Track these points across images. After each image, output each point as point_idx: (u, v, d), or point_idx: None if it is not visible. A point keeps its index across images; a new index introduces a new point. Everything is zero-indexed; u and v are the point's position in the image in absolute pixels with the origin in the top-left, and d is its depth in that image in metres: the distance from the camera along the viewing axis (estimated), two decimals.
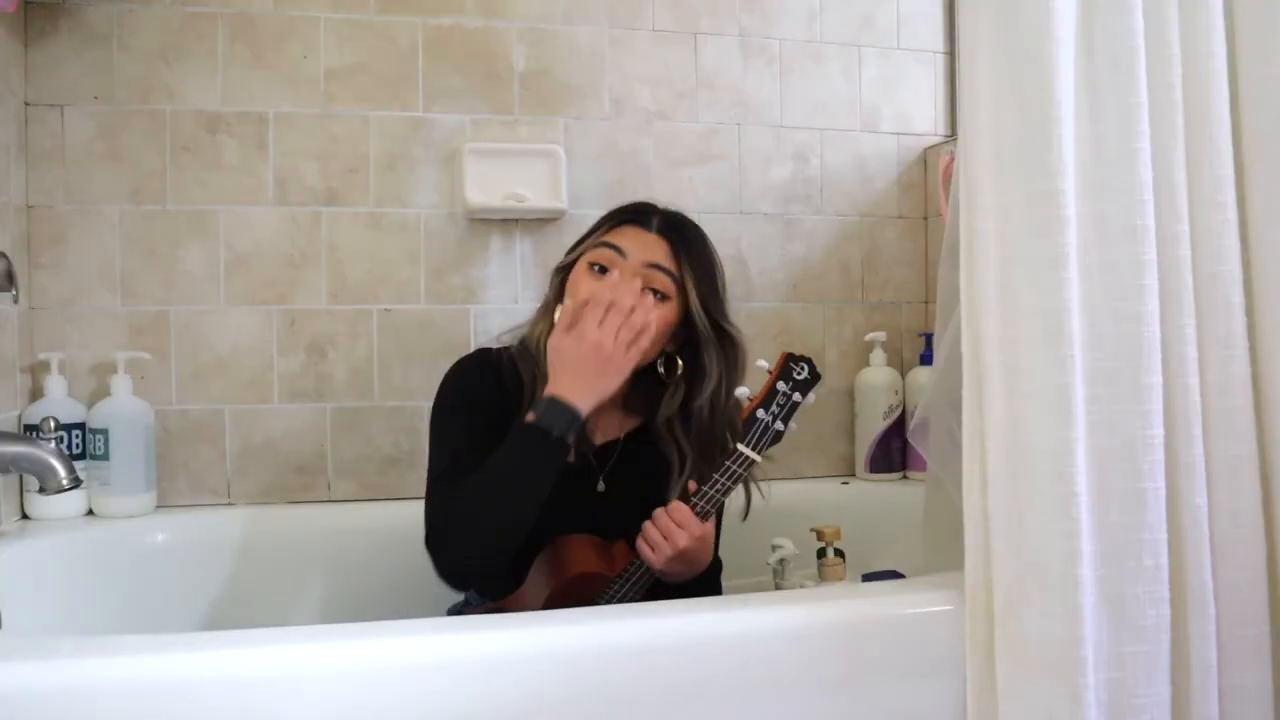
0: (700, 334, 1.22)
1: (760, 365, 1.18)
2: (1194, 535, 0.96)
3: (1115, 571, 0.94)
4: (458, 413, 1.23)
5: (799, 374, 1.15)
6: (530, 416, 1.10)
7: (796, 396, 1.15)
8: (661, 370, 1.24)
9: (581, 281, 1.20)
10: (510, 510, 1.09)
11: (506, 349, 1.28)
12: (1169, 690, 0.95)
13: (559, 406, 1.09)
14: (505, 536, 1.11)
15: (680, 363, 1.24)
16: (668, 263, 1.20)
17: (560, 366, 1.11)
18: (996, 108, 0.96)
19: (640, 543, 1.14)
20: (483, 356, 1.28)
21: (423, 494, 1.67)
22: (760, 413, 1.14)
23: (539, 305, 1.30)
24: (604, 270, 1.19)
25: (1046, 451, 0.92)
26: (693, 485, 1.15)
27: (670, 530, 1.12)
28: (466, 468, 1.14)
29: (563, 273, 1.26)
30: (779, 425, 1.15)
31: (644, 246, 1.20)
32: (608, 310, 1.11)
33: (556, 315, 1.20)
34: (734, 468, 1.14)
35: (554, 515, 1.16)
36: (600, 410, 1.25)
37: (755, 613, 0.99)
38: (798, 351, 1.18)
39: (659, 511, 1.14)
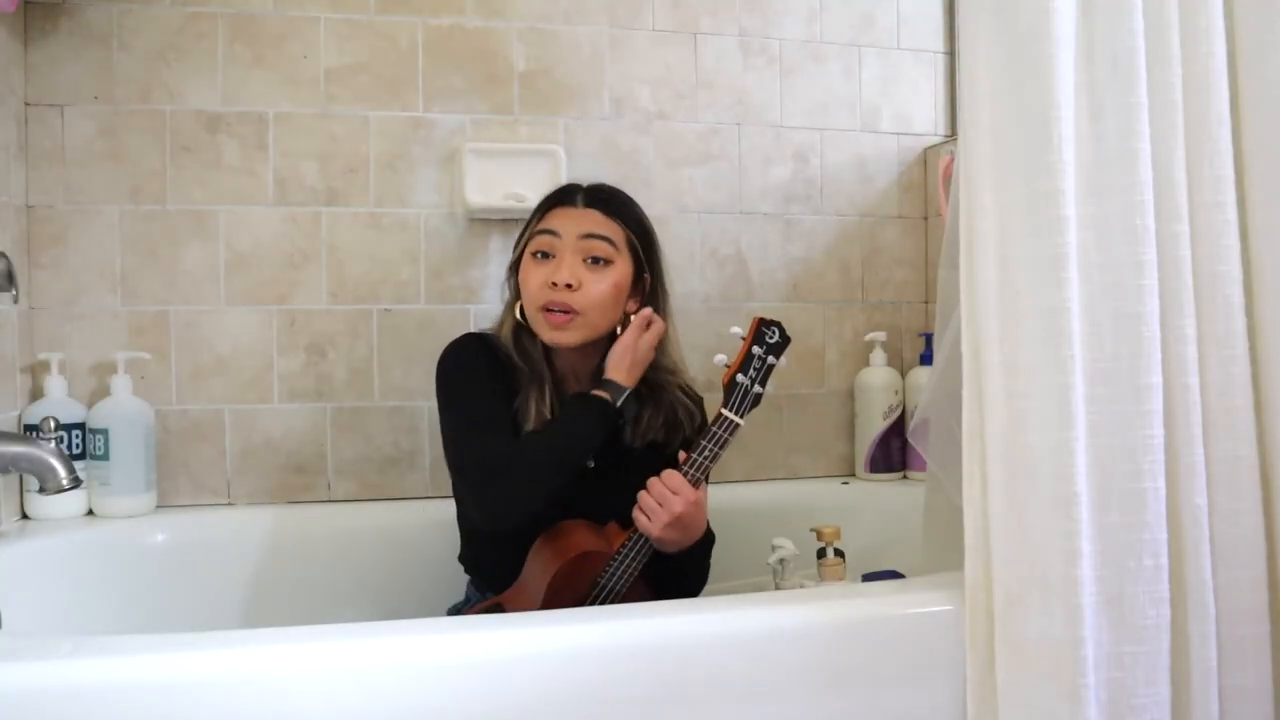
0: (658, 272, 1.33)
1: (734, 332, 1.23)
2: (1194, 535, 0.96)
3: (1115, 571, 0.94)
4: (474, 379, 1.28)
5: (771, 338, 1.20)
6: (597, 392, 1.24)
7: (771, 359, 1.20)
8: (619, 331, 1.29)
9: (531, 273, 1.27)
10: (574, 459, 1.21)
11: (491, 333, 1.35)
12: (1169, 690, 0.95)
13: (619, 387, 1.25)
14: (563, 479, 1.20)
15: (630, 318, 1.30)
16: (601, 229, 1.27)
17: (620, 358, 1.26)
18: (996, 108, 0.96)
19: (636, 512, 1.18)
20: (479, 337, 1.34)
21: (422, 494, 1.68)
22: (740, 377, 1.19)
23: (505, 302, 1.36)
24: (546, 255, 1.26)
25: (1046, 451, 0.92)
26: (683, 455, 1.19)
27: (665, 496, 1.16)
28: (502, 419, 1.25)
29: (514, 270, 1.33)
30: (757, 388, 1.19)
31: (575, 222, 1.27)
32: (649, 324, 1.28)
33: (516, 312, 1.30)
34: (720, 433, 1.18)
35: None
36: (570, 385, 1.34)
37: (755, 613, 0.99)
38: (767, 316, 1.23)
39: (653, 480, 1.18)
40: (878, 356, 1.80)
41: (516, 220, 1.67)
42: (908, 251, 1.88)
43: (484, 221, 1.67)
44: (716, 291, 1.78)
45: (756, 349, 1.19)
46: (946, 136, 1.89)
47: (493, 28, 1.68)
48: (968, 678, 0.98)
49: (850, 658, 0.98)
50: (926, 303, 1.89)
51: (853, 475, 1.84)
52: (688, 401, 1.35)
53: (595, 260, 1.26)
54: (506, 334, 1.31)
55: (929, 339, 1.83)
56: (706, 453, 1.18)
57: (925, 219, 1.89)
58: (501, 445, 1.21)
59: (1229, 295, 0.98)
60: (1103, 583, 0.94)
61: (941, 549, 1.17)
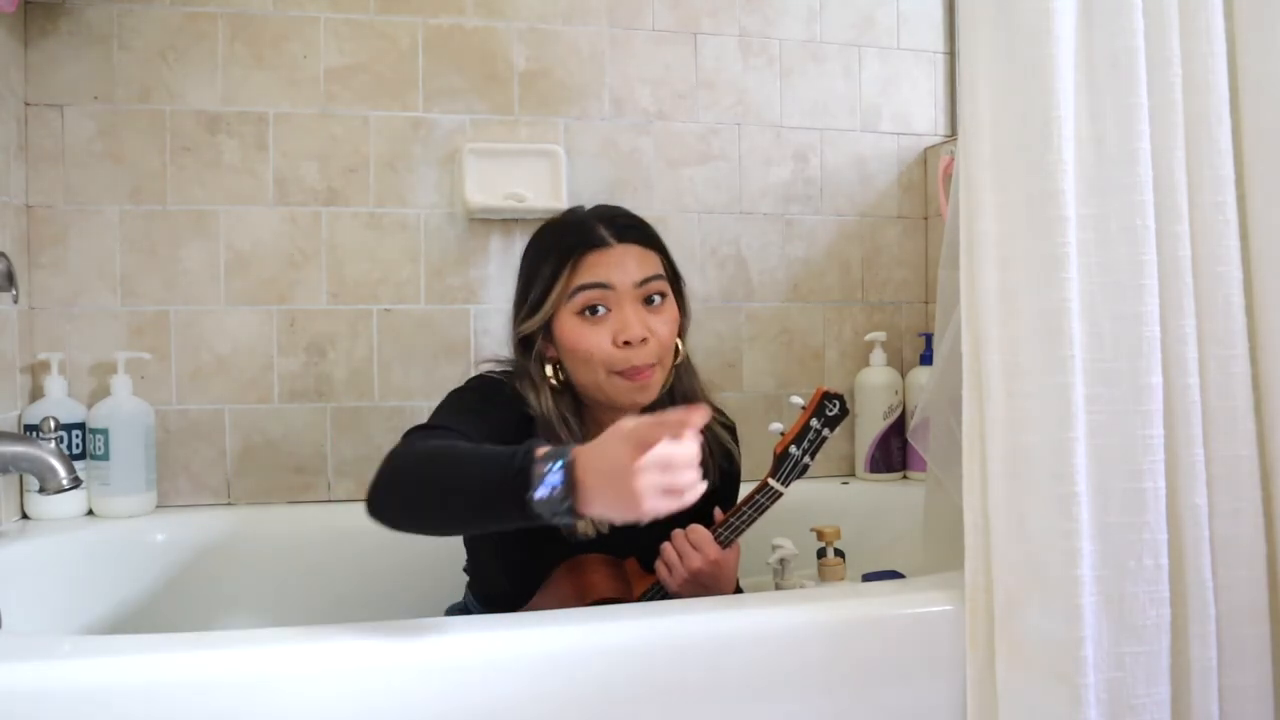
0: (682, 291, 1.22)
1: (795, 401, 1.17)
2: (1194, 535, 0.96)
3: (1115, 571, 0.94)
4: (473, 404, 1.14)
5: (831, 410, 1.14)
6: (539, 465, 0.86)
7: (826, 431, 1.14)
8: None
9: (584, 335, 1.11)
10: (441, 507, 0.92)
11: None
12: (1169, 690, 0.95)
13: (565, 499, 0.85)
14: (417, 520, 0.95)
15: (680, 346, 1.20)
16: (650, 266, 1.15)
17: (603, 468, 0.85)
18: (996, 108, 0.96)
19: (658, 564, 1.14)
20: (513, 389, 1.17)
21: None
22: (793, 449, 1.14)
23: (528, 383, 1.16)
24: (595, 311, 1.12)
25: (1046, 451, 0.92)
26: (719, 515, 1.15)
27: (686, 552, 1.12)
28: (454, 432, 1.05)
29: (529, 341, 1.16)
30: (807, 459, 1.14)
31: (622, 268, 1.12)
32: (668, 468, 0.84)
33: (551, 378, 1.14)
34: (763, 501, 1.14)
35: (567, 542, 1.16)
36: (616, 417, 1.24)
37: (755, 613, 0.99)
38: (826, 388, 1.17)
39: (677, 532, 1.14)
40: (878, 356, 1.80)
41: (517, 220, 1.67)
42: (908, 251, 1.88)
43: (484, 221, 1.67)
44: (717, 291, 1.78)
45: (815, 421, 1.14)
46: (946, 136, 1.89)
47: (493, 28, 1.68)
48: (968, 678, 0.98)
49: (850, 658, 0.98)
50: (926, 303, 1.89)
51: (853, 475, 1.84)
52: (724, 435, 1.25)
53: (651, 300, 1.13)
54: (550, 408, 1.14)
55: (929, 339, 1.83)
56: (744, 516, 1.13)
57: (925, 219, 1.89)
58: (407, 448, 0.98)
59: (1229, 295, 0.98)
60: (1103, 583, 0.94)
61: (941, 549, 1.17)
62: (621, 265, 1.13)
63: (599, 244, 1.13)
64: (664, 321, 1.14)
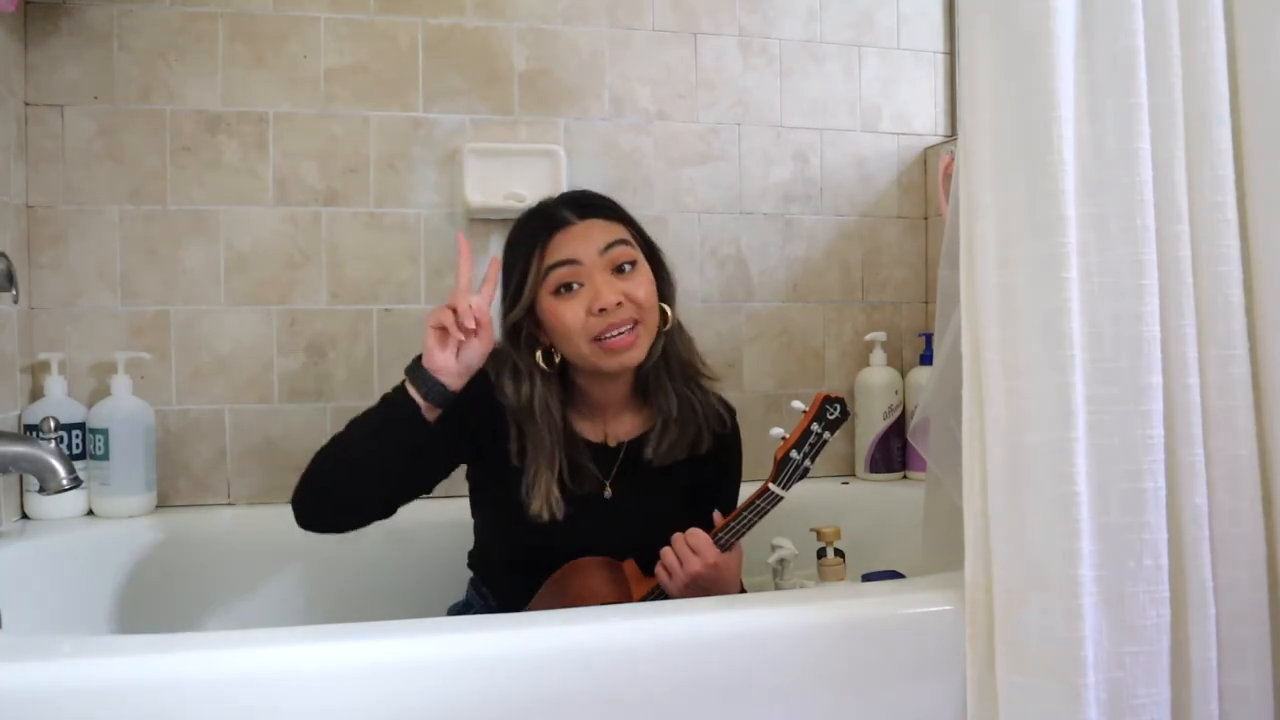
0: (657, 256, 1.26)
1: (796, 406, 1.17)
2: (1194, 535, 0.96)
3: (1115, 571, 0.94)
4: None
5: (832, 414, 1.15)
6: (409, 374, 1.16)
7: (826, 435, 1.15)
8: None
9: (560, 310, 1.17)
10: (356, 452, 1.15)
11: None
12: (1169, 690, 0.95)
13: (424, 373, 1.14)
14: (342, 483, 1.15)
15: (669, 311, 1.25)
16: (613, 234, 1.20)
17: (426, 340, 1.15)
18: (996, 108, 0.96)
19: (658, 568, 1.15)
20: (490, 384, 1.23)
21: (422, 494, 1.66)
22: (793, 453, 1.15)
23: (505, 374, 1.22)
24: (570, 288, 1.17)
25: (1046, 451, 0.92)
26: (719, 518, 1.16)
27: (686, 556, 1.13)
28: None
29: (516, 329, 1.21)
30: (807, 463, 1.15)
31: (586, 240, 1.18)
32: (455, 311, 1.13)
33: (542, 362, 1.20)
34: (764, 505, 1.14)
35: (564, 525, 1.18)
36: (612, 415, 1.26)
37: (755, 613, 0.99)
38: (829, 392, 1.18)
39: (677, 536, 1.15)
40: (878, 356, 1.80)
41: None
42: (908, 251, 1.88)
43: (484, 221, 1.67)
44: (716, 291, 1.79)
45: (815, 426, 1.14)
46: (946, 136, 1.89)
47: (493, 28, 1.68)
48: (968, 678, 0.98)
49: (850, 658, 0.98)
50: (926, 303, 1.89)
51: (853, 475, 1.84)
52: (721, 412, 1.29)
53: (621, 269, 1.18)
54: (530, 402, 1.19)
55: (929, 339, 1.83)
56: (745, 521, 1.14)
57: (925, 219, 1.89)
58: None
59: (1229, 295, 0.98)
60: (1103, 583, 0.94)
61: (941, 549, 1.17)
62: (586, 238, 1.19)
63: (563, 224, 1.20)
64: (638, 285, 1.18)
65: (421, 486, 1.23)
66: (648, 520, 1.21)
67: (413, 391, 1.14)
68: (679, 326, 1.28)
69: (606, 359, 1.17)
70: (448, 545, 1.39)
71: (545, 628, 0.94)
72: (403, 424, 1.14)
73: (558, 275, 1.18)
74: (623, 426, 1.28)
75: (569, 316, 1.17)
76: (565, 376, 1.25)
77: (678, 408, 1.25)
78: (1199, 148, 0.98)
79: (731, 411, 1.34)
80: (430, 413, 1.14)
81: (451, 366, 1.14)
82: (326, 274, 1.62)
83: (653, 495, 1.25)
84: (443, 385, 1.14)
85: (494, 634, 0.92)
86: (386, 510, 1.19)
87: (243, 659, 0.86)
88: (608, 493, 1.25)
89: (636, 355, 1.18)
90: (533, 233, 1.21)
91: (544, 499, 1.17)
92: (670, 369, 1.26)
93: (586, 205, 1.23)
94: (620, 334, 1.16)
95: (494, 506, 1.26)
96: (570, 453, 1.21)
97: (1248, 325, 0.99)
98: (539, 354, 1.21)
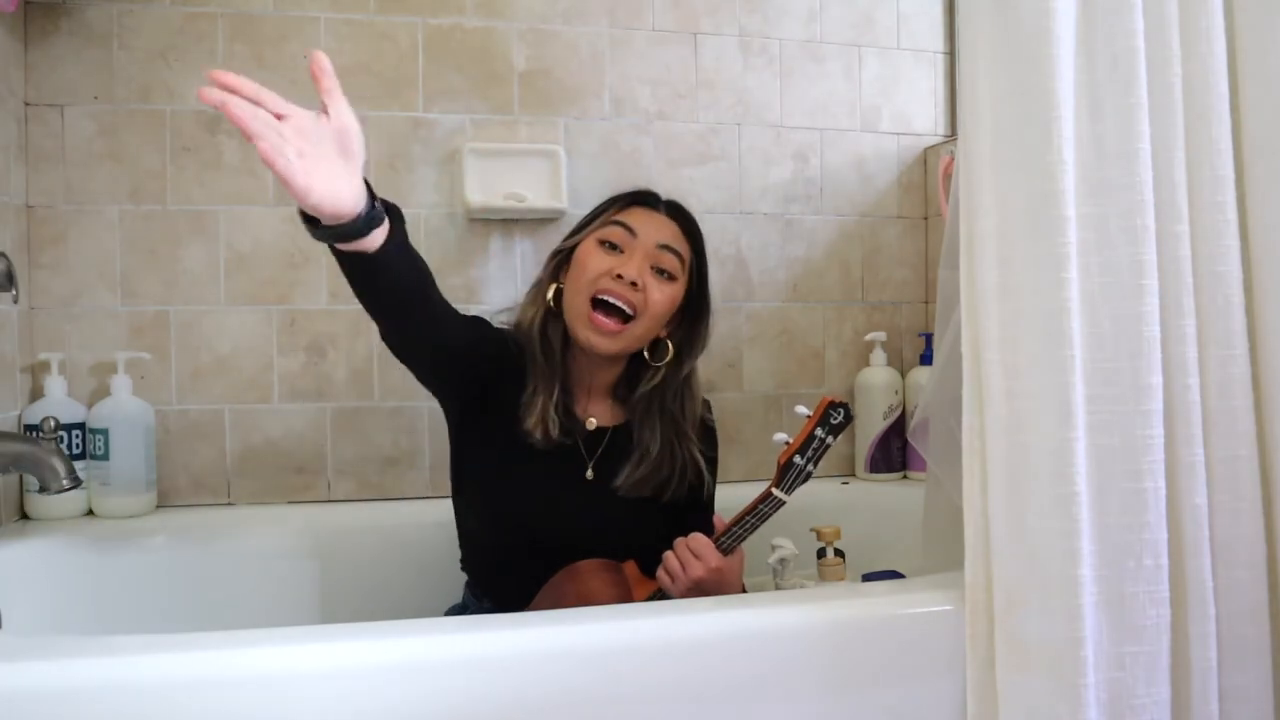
0: (705, 308, 1.30)
1: (800, 411, 1.18)
2: (1194, 535, 0.96)
3: (1115, 571, 0.94)
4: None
5: (836, 419, 1.16)
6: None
7: (830, 439, 1.16)
8: (647, 354, 1.27)
9: (592, 256, 1.22)
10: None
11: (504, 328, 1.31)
12: (1169, 690, 0.95)
13: (314, 223, 1.01)
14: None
15: (671, 347, 1.28)
16: (677, 244, 1.25)
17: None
18: (996, 108, 0.96)
19: (660, 572, 1.16)
20: (494, 328, 1.30)
21: (422, 494, 1.66)
22: (797, 458, 1.16)
23: (532, 287, 1.32)
24: (615, 247, 1.23)
25: (1046, 451, 0.92)
26: (720, 522, 1.17)
27: (688, 560, 1.13)
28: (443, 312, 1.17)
29: (560, 255, 1.29)
30: (810, 468, 1.16)
31: (655, 227, 1.24)
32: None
33: (549, 296, 1.25)
34: (766, 510, 1.15)
35: (545, 501, 1.21)
36: (592, 397, 1.29)
37: (755, 613, 0.99)
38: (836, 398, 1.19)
39: (679, 540, 1.16)
40: (878, 356, 1.80)
41: (517, 220, 1.67)
42: (908, 251, 1.88)
43: (484, 221, 1.67)
44: (717, 291, 1.76)
45: (819, 430, 1.15)
46: (946, 136, 1.89)
47: (493, 28, 1.68)
48: (968, 678, 0.98)
49: (850, 658, 0.98)
50: (926, 303, 1.89)
51: (853, 475, 1.84)
52: (700, 463, 1.29)
53: (661, 272, 1.23)
54: (531, 323, 1.26)
55: (929, 339, 1.83)
56: (747, 525, 1.15)
57: (925, 219, 1.89)
58: None
59: (1229, 295, 0.98)
60: (1103, 583, 0.94)
61: (941, 549, 1.17)
62: (656, 226, 1.25)
63: (652, 204, 1.29)
64: (661, 291, 1.22)
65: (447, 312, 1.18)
66: (629, 504, 1.22)
67: (344, 248, 1.01)
68: (689, 383, 1.30)
69: (585, 329, 1.20)
70: (446, 546, 1.39)
71: (545, 628, 0.94)
72: (369, 266, 1.03)
73: (610, 231, 1.24)
74: (602, 412, 1.30)
75: (592, 263, 1.21)
76: (565, 357, 1.28)
77: (658, 450, 1.26)
78: (1199, 148, 0.98)
79: (712, 462, 1.35)
80: (371, 241, 1.01)
81: (317, 186, 0.95)
82: (326, 274, 1.62)
83: (633, 481, 1.25)
84: (344, 218, 0.97)
85: (494, 634, 0.92)
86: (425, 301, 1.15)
87: (242, 659, 0.86)
88: (589, 474, 1.26)
89: (610, 346, 1.21)
90: (628, 196, 1.30)
91: (540, 416, 1.21)
92: (663, 409, 1.28)
93: (677, 210, 1.30)
94: (609, 314, 1.19)
95: (479, 477, 1.26)
96: (564, 395, 1.25)
97: (1248, 325, 0.99)
98: (553, 287, 1.26)
